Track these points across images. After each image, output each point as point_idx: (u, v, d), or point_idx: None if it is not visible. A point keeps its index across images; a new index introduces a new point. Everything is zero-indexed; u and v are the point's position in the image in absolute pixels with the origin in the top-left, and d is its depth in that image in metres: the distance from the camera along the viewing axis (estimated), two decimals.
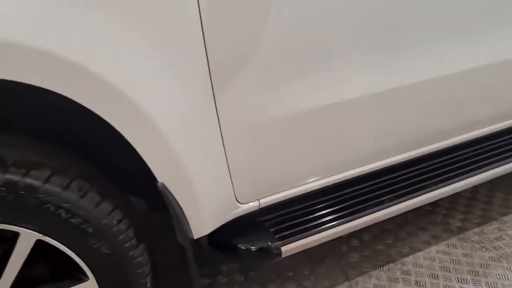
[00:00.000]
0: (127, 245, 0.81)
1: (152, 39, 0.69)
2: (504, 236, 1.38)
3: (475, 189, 1.65)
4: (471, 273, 1.24)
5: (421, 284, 1.21)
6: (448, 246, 1.36)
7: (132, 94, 0.68)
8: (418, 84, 1.03)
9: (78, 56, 0.62)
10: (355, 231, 1.43)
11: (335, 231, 1.03)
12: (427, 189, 1.13)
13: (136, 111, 0.70)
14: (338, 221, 1.03)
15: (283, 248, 0.99)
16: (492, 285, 1.19)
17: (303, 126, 0.92)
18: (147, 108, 0.71)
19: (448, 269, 1.26)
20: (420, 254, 1.33)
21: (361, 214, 1.06)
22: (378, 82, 0.94)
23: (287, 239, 0.99)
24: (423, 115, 1.11)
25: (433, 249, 1.35)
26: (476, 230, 1.43)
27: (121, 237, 0.80)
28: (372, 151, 1.06)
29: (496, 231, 1.42)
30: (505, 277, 1.21)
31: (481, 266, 1.26)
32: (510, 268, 1.24)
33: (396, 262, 1.31)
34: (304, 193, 1.04)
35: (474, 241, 1.37)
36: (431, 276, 1.24)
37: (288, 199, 1.04)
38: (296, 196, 1.04)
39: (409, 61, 0.97)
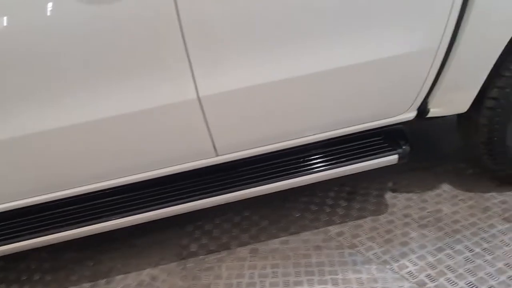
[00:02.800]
0: None
1: None
2: (215, 268, 1.43)
3: (247, 218, 1.67)
4: None
5: None
6: (165, 271, 1.45)
7: None
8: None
9: None
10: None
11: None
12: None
13: None
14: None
15: None
16: None
17: None
18: None
19: None
20: (132, 275, 1.46)
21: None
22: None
23: None
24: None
25: (146, 271, 1.46)
26: (201, 257, 1.49)
27: None
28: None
29: (215, 261, 1.46)
30: None
31: None
32: None
33: (107, 280, 1.46)
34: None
35: (187, 268, 1.45)
36: None
37: None
38: None
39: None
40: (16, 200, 1.28)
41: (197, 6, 1.07)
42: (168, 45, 1.09)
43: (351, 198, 1.69)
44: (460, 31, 1.23)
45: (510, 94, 1.37)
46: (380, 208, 1.62)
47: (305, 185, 1.69)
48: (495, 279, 1.23)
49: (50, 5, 1.02)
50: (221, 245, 1.54)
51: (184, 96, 1.17)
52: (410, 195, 1.66)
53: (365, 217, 1.58)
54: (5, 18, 1.02)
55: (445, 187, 1.67)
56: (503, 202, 1.55)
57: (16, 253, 1.35)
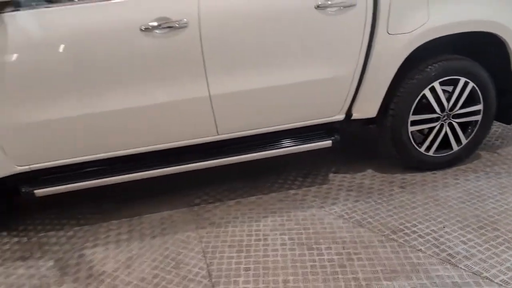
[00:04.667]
0: None
1: None
2: (213, 210, 2.16)
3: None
4: None
5: None
6: (179, 212, 2.17)
7: None
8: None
9: None
10: None
11: (70, 186, 1.97)
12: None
13: None
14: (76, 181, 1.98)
15: (36, 191, 1.93)
16: None
17: (48, 130, 1.88)
18: None
19: None
20: (155, 214, 2.16)
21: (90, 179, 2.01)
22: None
23: (38, 186, 1.94)
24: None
25: (165, 212, 2.17)
26: (203, 205, 2.22)
27: None
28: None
29: (213, 207, 2.19)
30: None
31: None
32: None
33: (139, 217, 2.16)
34: (61, 164, 1.98)
35: (194, 211, 2.17)
36: None
37: (53, 166, 1.98)
38: (57, 165, 1.98)
39: None
40: None
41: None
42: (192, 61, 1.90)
43: (306, 176, 2.47)
44: (367, 66, 2.09)
45: (401, 107, 2.22)
46: (324, 181, 2.39)
47: (274, 168, 2.48)
48: (385, 214, 2.03)
49: None
50: (217, 200, 2.28)
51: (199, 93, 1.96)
52: (345, 175, 2.45)
53: (313, 186, 2.35)
54: None
55: (369, 170, 2.47)
56: (403, 179, 2.35)
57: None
